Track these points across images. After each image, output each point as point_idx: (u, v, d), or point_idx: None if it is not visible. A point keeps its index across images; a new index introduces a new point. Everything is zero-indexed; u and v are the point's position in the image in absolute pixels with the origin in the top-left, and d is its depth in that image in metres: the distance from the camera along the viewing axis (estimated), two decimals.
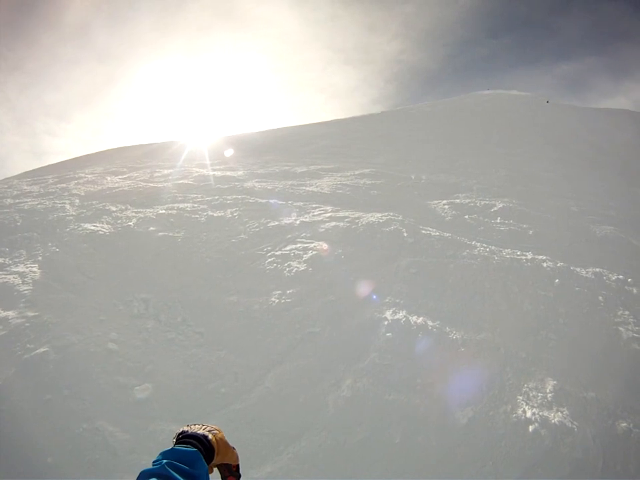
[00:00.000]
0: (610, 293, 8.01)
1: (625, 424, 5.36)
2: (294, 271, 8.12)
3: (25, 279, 7.54)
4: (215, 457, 1.39)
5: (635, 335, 6.85)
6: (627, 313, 7.40)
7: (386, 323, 6.85)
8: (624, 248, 10.67)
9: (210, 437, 1.40)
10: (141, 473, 1.19)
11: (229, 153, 19.89)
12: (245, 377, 5.97)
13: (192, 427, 1.44)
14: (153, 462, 1.24)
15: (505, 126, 29.49)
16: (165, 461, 1.22)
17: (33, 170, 21.21)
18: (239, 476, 1.55)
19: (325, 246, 8.91)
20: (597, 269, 8.81)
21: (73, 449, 4.93)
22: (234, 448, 1.51)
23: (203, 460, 1.31)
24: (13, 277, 7.62)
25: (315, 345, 6.53)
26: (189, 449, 1.30)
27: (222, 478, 1.49)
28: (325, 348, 6.48)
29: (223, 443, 1.44)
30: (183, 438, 1.37)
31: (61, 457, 4.85)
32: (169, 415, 5.40)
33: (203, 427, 1.44)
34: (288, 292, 7.56)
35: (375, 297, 7.61)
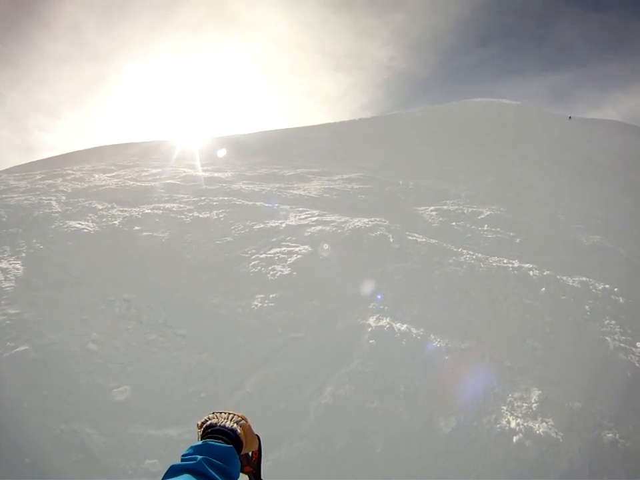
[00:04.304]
0: (596, 302, 8.01)
1: (611, 434, 5.31)
2: (278, 274, 8.05)
3: (8, 276, 7.44)
4: (242, 450, 1.32)
5: (621, 344, 6.84)
6: (613, 322, 7.40)
7: (369, 329, 6.79)
8: (611, 257, 10.72)
9: (239, 430, 1.32)
10: (170, 468, 1.12)
11: (222, 153, 19.81)
12: (226, 381, 5.89)
13: (218, 415, 1.37)
14: (183, 456, 1.18)
15: (494, 134, 29.60)
16: (200, 457, 1.14)
17: (21, 165, 21.07)
18: (259, 468, 1.47)
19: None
20: (584, 278, 8.81)
21: (50, 450, 4.86)
22: (257, 435, 1.44)
23: (238, 457, 1.25)
24: None
25: (297, 350, 6.46)
26: (223, 444, 1.23)
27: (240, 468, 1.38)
28: (308, 353, 6.41)
29: (249, 433, 1.38)
30: (212, 433, 1.30)
31: (39, 458, 4.78)
32: (148, 419, 5.32)
33: (230, 417, 1.37)
34: (271, 296, 7.48)
35: (359, 302, 7.54)
